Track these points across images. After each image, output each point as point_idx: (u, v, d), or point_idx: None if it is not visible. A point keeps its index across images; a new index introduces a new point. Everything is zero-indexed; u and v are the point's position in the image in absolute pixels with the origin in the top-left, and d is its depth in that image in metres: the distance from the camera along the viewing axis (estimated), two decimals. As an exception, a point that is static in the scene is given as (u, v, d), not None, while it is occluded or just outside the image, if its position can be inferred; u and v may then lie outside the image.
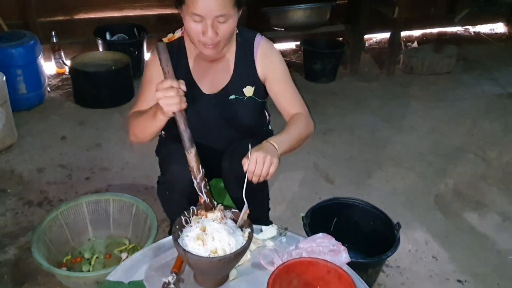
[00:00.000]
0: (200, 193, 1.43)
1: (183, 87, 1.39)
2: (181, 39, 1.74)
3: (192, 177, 1.42)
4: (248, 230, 1.41)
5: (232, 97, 1.75)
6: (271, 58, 1.75)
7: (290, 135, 1.65)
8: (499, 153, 3.08)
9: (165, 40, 1.73)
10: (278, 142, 1.58)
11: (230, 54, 1.73)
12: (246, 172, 1.46)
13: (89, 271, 1.97)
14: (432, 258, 2.23)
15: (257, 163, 1.46)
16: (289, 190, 2.63)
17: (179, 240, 1.36)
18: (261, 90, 1.79)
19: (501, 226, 2.47)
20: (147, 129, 1.60)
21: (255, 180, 1.48)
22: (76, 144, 2.98)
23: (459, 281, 2.12)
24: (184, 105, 1.39)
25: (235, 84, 1.75)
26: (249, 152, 1.48)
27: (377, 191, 2.67)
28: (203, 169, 1.42)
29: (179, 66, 1.72)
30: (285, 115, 1.79)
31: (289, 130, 1.67)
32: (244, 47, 1.73)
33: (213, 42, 1.54)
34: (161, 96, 1.37)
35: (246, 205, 1.42)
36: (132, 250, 2.05)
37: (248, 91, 1.76)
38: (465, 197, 2.68)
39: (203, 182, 1.43)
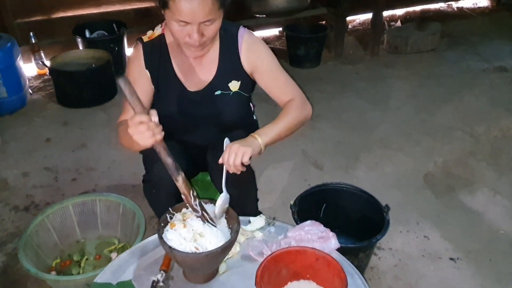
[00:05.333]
0: (202, 219, 1.39)
1: (155, 118, 1.33)
2: (162, 36, 1.69)
3: (187, 204, 1.38)
4: (235, 223, 1.40)
5: (217, 92, 1.72)
6: (256, 50, 1.71)
7: (277, 125, 1.64)
8: (486, 128, 3.08)
9: (145, 38, 1.69)
10: (262, 134, 1.59)
11: (214, 49, 1.69)
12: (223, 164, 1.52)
13: (79, 273, 1.95)
14: (424, 238, 2.23)
15: (229, 154, 1.49)
16: (278, 179, 2.62)
17: (164, 236, 1.34)
18: (247, 84, 1.76)
19: (491, 201, 2.48)
20: (133, 147, 1.56)
21: (231, 170, 1.50)
22: (61, 146, 2.94)
23: (451, 259, 2.12)
24: (160, 137, 1.33)
25: (220, 79, 1.72)
26: (224, 145, 1.52)
27: (366, 174, 2.67)
28: (194, 193, 1.38)
29: (162, 65, 1.69)
30: (279, 103, 1.76)
31: (277, 120, 1.66)
32: (227, 41, 1.70)
33: (199, 44, 1.52)
34: (133, 133, 1.31)
35: (225, 194, 1.45)
36: (122, 249, 2.04)
37: (234, 85, 1.73)
38: (455, 174, 2.68)
39: (199, 207, 1.39)
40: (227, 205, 1.44)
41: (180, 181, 1.36)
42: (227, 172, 1.53)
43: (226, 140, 1.55)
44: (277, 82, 1.74)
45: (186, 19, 1.45)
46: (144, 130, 1.30)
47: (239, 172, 1.52)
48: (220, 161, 1.51)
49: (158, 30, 1.70)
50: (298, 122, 1.70)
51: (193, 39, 1.50)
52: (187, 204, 1.39)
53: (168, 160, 1.34)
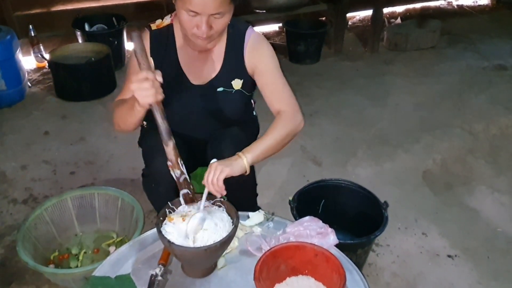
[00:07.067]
0: (179, 186, 1.43)
1: (159, 78, 1.35)
2: (170, 26, 1.69)
3: (171, 170, 1.42)
4: (234, 218, 1.40)
5: (220, 89, 1.72)
6: (260, 51, 1.70)
7: (265, 142, 1.60)
8: (485, 126, 3.07)
9: (154, 26, 1.69)
10: (248, 152, 1.55)
11: (220, 45, 1.69)
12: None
13: (77, 266, 1.95)
14: (422, 235, 2.24)
15: (208, 173, 1.46)
16: (277, 175, 2.62)
17: (163, 229, 1.34)
18: (249, 83, 1.76)
19: (489, 199, 2.48)
20: (127, 119, 1.57)
21: (209, 189, 1.45)
22: (60, 139, 2.93)
23: (449, 256, 2.12)
24: (160, 97, 1.36)
25: (224, 76, 1.71)
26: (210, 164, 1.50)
27: (365, 171, 2.66)
28: (181, 161, 1.41)
29: (167, 55, 1.69)
30: (272, 109, 1.74)
31: (265, 136, 1.62)
32: (234, 39, 1.70)
33: (206, 36, 1.52)
34: (136, 88, 1.33)
35: (201, 215, 1.37)
36: (120, 243, 2.03)
37: (237, 84, 1.72)
38: (453, 172, 2.68)
39: (183, 176, 1.42)
40: (201, 226, 1.35)
41: (170, 146, 1.38)
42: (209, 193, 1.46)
43: (213, 160, 1.51)
44: (274, 87, 1.72)
45: (196, 9, 1.45)
46: (148, 87, 1.32)
47: (219, 195, 1.46)
48: (203, 181, 1.47)
49: (167, 20, 1.70)
50: (287, 136, 1.67)
51: (201, 31, 1.50)
52: (171, 171, 1.41)
53: (164, 122, 1.36)
